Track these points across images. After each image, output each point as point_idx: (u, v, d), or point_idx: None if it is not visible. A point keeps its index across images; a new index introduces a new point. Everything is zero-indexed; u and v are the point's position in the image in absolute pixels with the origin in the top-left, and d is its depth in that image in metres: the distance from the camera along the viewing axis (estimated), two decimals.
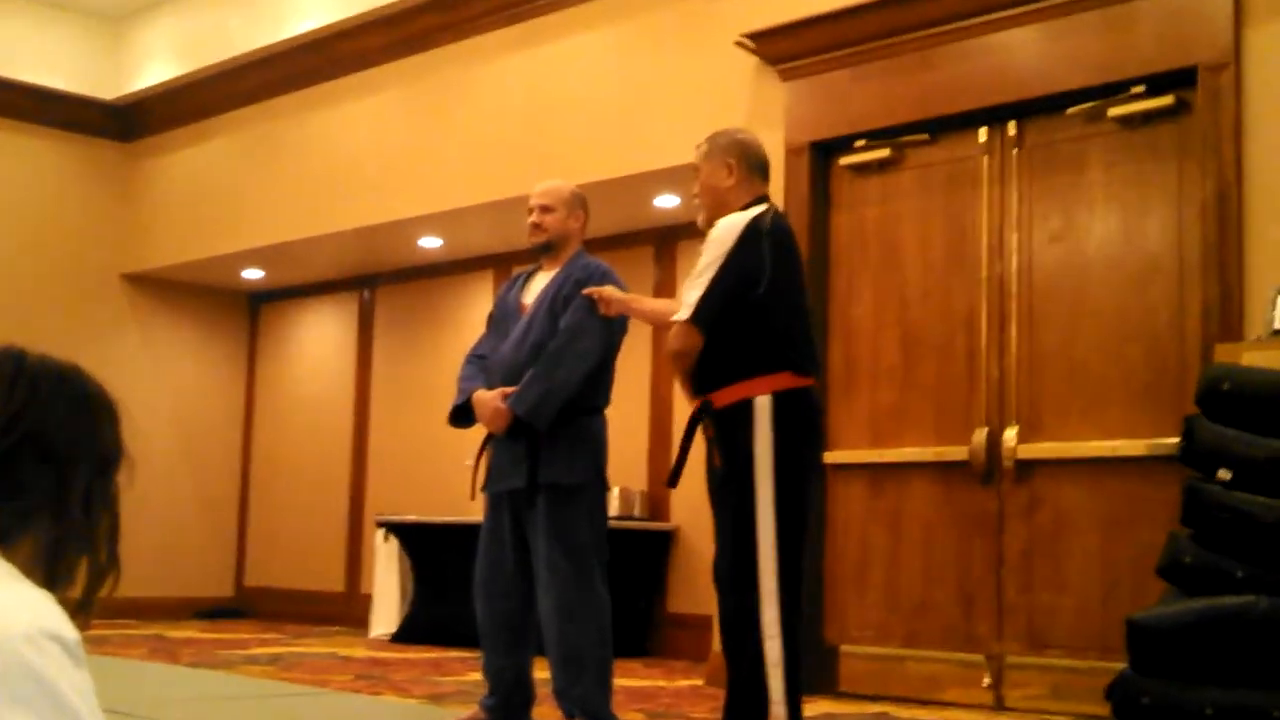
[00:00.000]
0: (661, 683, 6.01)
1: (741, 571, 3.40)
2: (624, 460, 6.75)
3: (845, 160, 5.82)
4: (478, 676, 4.48)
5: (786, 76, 5.96)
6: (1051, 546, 5.07)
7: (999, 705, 5.21)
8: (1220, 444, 3.97)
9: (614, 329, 4.12)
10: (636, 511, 7.49)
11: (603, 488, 4.15)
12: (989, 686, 5.23)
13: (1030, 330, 5.23)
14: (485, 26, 7.56)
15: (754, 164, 3.68)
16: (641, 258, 7.78)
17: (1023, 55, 5.29)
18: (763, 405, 3.41)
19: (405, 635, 7.94)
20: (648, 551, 7.36)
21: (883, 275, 5.68)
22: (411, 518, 8.18)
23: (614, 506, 7.15)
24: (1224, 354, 4.38)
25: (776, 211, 3.59)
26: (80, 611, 1.29)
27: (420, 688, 5.56)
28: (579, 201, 4.29)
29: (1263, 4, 4.76)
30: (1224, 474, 3.91)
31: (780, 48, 5.96)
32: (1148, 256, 4.98)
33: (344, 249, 8.81)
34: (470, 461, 4.33)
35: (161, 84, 9.26)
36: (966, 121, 5.47)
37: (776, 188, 5.57)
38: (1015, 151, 5.35)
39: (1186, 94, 4.91)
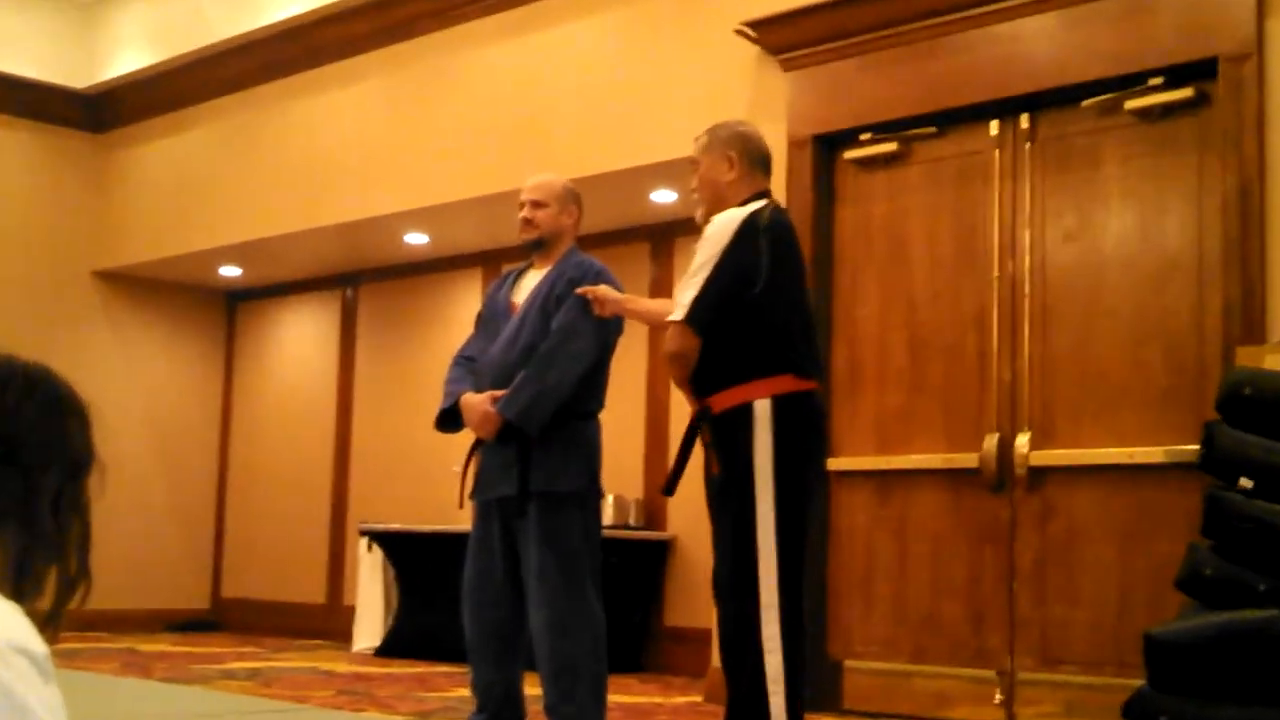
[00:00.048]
0: (658, 699, 6.00)
1: (740, 583, 3.40)
2: (619, 467, 6.75)
3: (850, 154, 5.82)
4: (465, 692, 4.47)
5: (789, 66, 5.96)
6: (1065, 557, 5.07)
7: None
8: (1242, 451, 3.97)
9: (609, 330, 4.12)
10: (632, 520, 7.49)
11: (597, 495, 4.15)
12: (1000, 704, 5.23)
13: (1043, 332, 5.23)
14: (474, 13, 7.56)
15: (756, 158, 3.68)
16: (637, 255, 7.78)
17: (1036, 45, 5.30)
18: (762, 409, 3.41)
19: (390, 649, 7.94)
20: (644, 562, 7.36)
21: (889, 274, 5.68)
22: (396, 526, 8.17)
23: (608, 515, 7.14)
24: (1246, 357, 4.38)
25: (776, 206, 3.59)
26: (49, 624, 1.28)
27: (405, 704, 5.55)
28: (572, 196, 4.29)
29: None
30: (1245, 482, 3.92)
31: (782, 36, 5.97)
32: (1166, 255, 4.99)
33: (326, 245, 8.80)
34: (458, 468, 4.32)
35: (135, 72, 9.26)
36: (977, 114, 5.47)
37: (778, 183, 5.57)
38: (1028, 145, 5.36)
39: (1207, 86, 4.92)
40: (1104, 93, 5.13)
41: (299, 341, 9.98)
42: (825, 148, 5.90)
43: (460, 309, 8.37)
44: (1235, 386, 4.08)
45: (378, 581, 8.31)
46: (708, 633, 5.62)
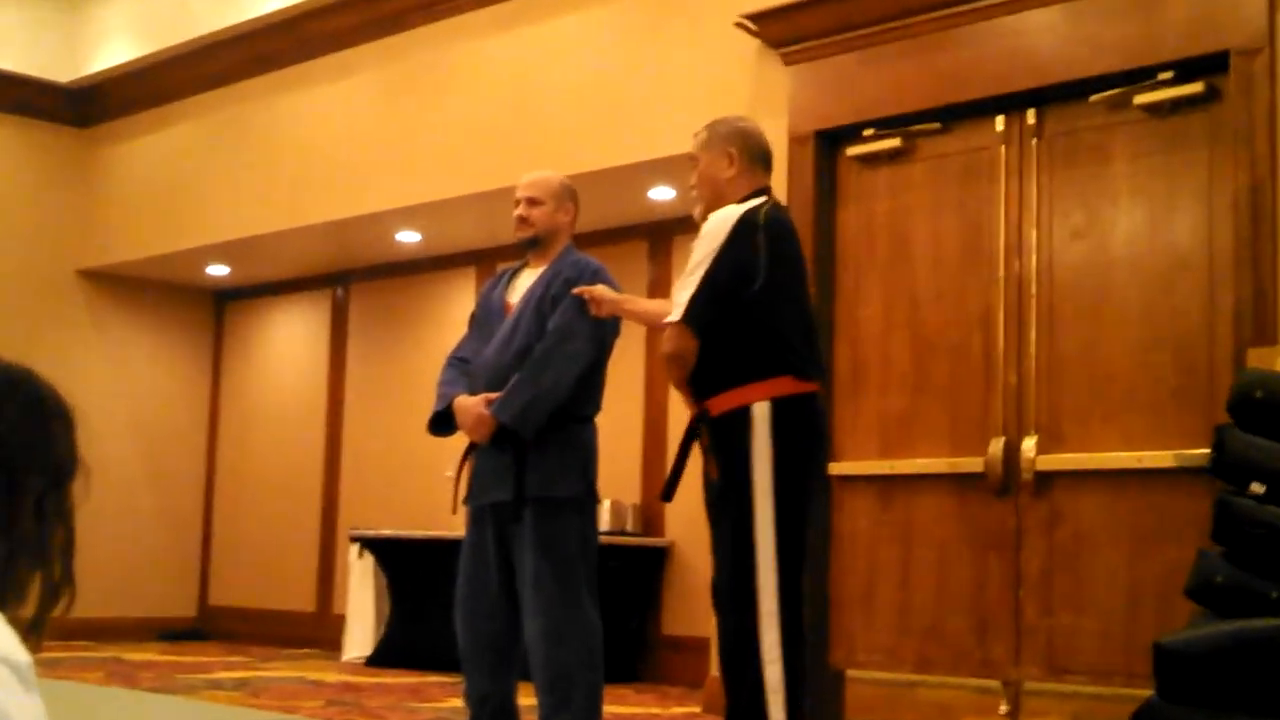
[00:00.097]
0: (655, 710, 6.01)
1: (740, 591, 3.40)
2: (616, 471, 6.76)
3: (853, 150, 5.82)
4: (458, 703, 4.48)
5: (790, 60, 5.97)
6: (1073, 564, 5.07)
7: None
8: (1253, 455, 3.98)
9: (606, 331, 4.13)
10: (629, 526, 7.49)
11: (593, 501, 4.15)
12: (1006, 714, 5.23)
13: (1050, 333, 5.23)
14: (467, 5, 7.56)
15: (756, 154, 3.68)
16: (635, 254, 7.79)
17: (1043, 38, 5.30)
18: (761, 413, 3.41)
19: (381, 658, 7.94)
20: (641, 569, 7.36)
21: (892, 273, 5.69)
22: (388, 532, 8.18)
23: (605, 521, 7.15)
24: (1257, 359, 4.39)
25: (775, 203, 3.60)
26: (32, 632, 1.29)
27: (397, 715, 5.56)
28: (568, 193, 4.29)
29: None
30: (1257, 487, 3.92)
31: (784, 30, 5.97)
32: (1176, 254, 4.99)
33: (316, 244, 8.80)
34: (451, 472, 4.33)
35: (120, 65, 9.26)
36: (982, 109, 5.48)
37: (779, 179, 5.57)
38: (1034, 141, 5.36)
39: (1218, 80, 4.92)
40: (1112, 87, 5.13)
41: (288, 342, 9.98)
42: (827, 144, 5.90)
43: (453, 309, 8.37)
44: (1247, 389, 4.09)
45: (369, 589, 8.31)
46: (706, 641, 5.63)
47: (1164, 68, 4.99)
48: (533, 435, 3.99)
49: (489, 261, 8.42)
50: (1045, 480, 5.16)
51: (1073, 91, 5.24)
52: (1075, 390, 5.16)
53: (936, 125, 5.61)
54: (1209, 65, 4.91)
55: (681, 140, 4.20)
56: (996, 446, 5.25)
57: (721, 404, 3.47)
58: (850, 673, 5.66)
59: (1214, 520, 4.01)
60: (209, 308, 10.41)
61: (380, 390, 9.18)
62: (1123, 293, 5.09)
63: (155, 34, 9.07)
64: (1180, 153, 5.01)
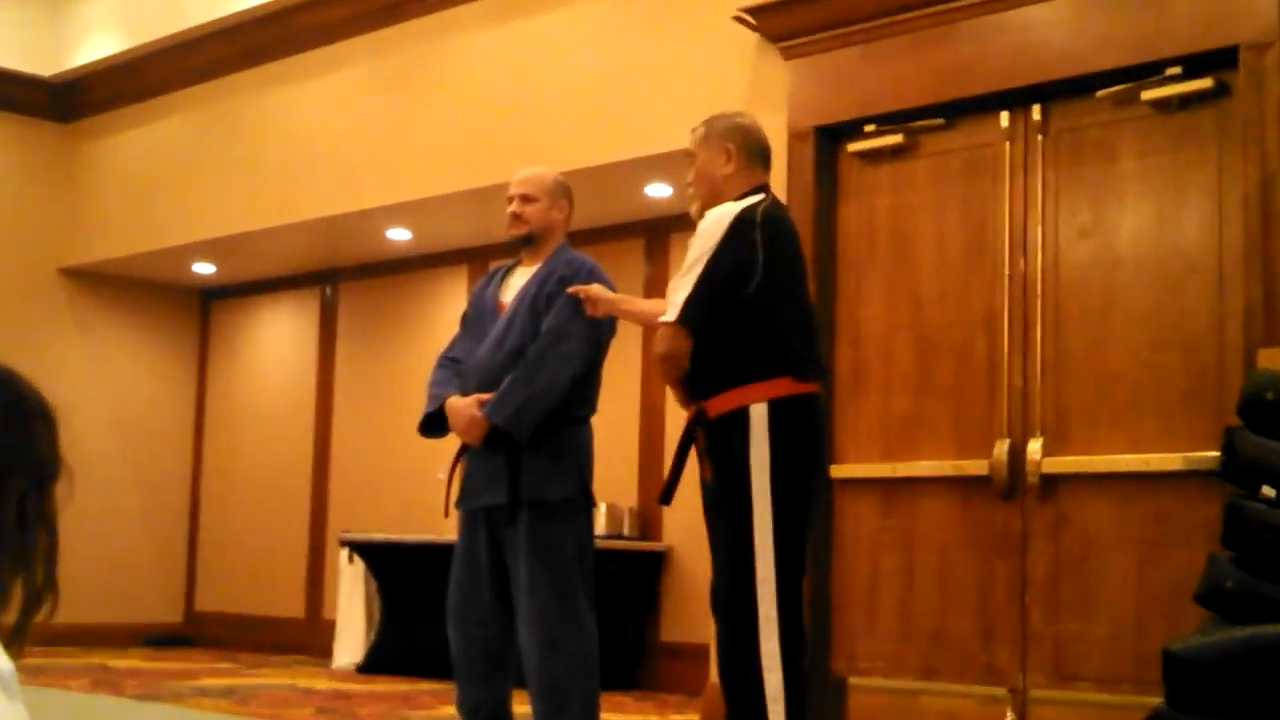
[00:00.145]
0: (653, 718, 6.00)
1: (738, 597, 3.40)
2: (612, 474, 6.75)
3: (854, 147, 5.82)
4: (451, 711, 4.47)
5: (790, 55, 5.97)
6: (1080, 569, 5.07)
7: None
8: (1264, 458, 3.98)
9: (601, 331, 4.13)
10: (626, 530, 7.49)
11: (588, 504, 4.15)
12: None
13: (1056, 333, 5.24)
14: None
15: (754, 150, 3.69)
16: (631, 252, 7.79)
17: (1048, 33, 5.30)
18: (759, 414, 3.41)
19: (372, 665, 7.93)
20: (638, 574, 7.36)
21: (895, 273, 5.69)
22: (379, 536, 8.17)
23: (601, 525, 7.14)
24: (1268, 360, 4.39)
25: (773, 201, 3.60)
26: (15, 638, 1.28)
27: None
28: (563, 190, 4.29)
29: None
30: (1268, 491, 3.93)
31: (783, 23, 5.97)
32: (1185, 253, 4.99)
33: (304, 241, 8.80)
34: (443, 475, 4.32)
35: (105, 59, 9.25)
36: (986, 105, 5.48)
37: (778, 176, 5.58)
38: (1040, 138, 5.36)
39: (1227, 76, 4.92)
40: (1119, 83, 5.14)
41: (276, 342, 9.98)
42: (827, 140, 5.90)
43: (445, 308, 8.37)
44: (1257, 391, 4.09)
45: (359, 594, 8.31)
46: (705, 648, 5.63)
47: (1172, 63, 5.00)
48: (526, 437, 3.99)
49: (481, 260, 8.42)
50: (1051, 483, 5.16)
51: (1079, 87, 5.24)
52: (1082, 391, 5.16)
53: (940, 121, 5.61)
54: (1218, 60, 4.91)
55: (679, 136, 4.20)
56: (1001, 449, 5.25)
57: (719, 405, 3.47)
58: (852, 680, 5.66)
59: (1224, 524, 4.02)
60: (194, 307, 10.40)
61: (370, 391, 9.17)
62: (1130, 292, 5.09)
63: (140, 27, 9.06)
64: (1189, 150, 5.02)
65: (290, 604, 9.48)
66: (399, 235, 8.54)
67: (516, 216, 4.24)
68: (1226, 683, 3.74)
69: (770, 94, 5.97)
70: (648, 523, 7.57)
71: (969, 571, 5.34)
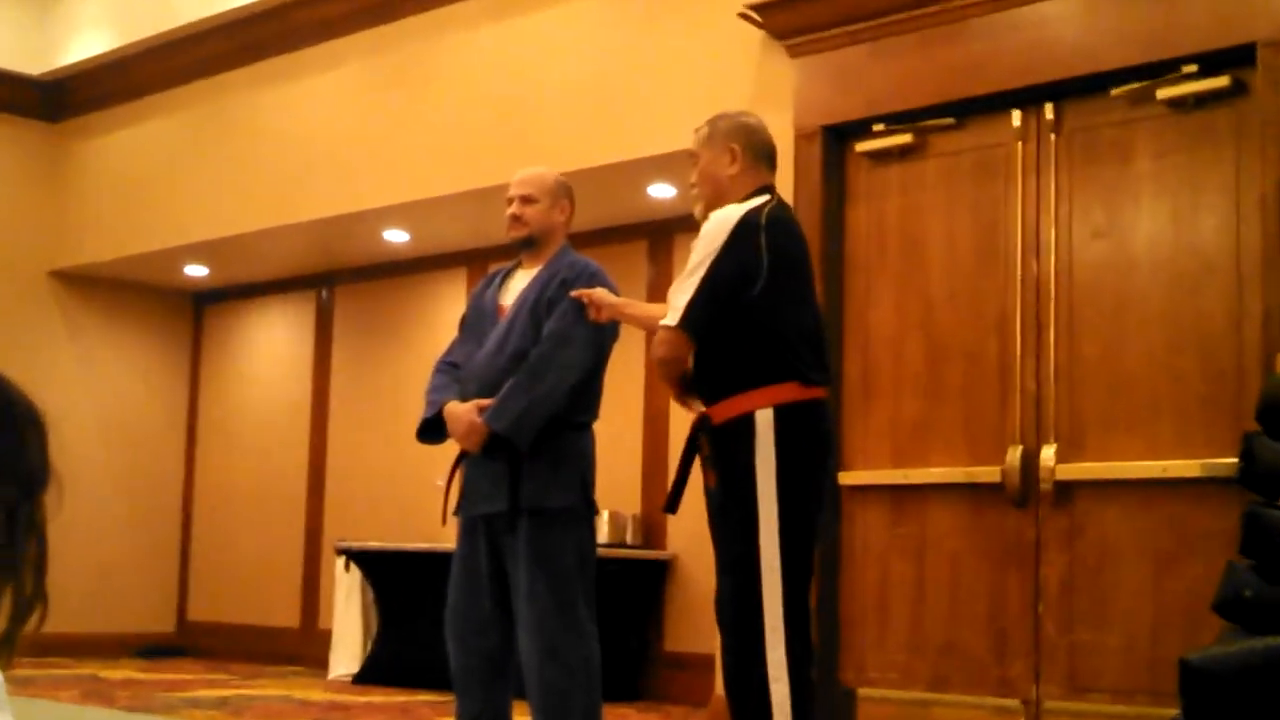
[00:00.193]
0: None
1: (743, 606, 3.40)
2: (614, 481, 6.74)
3: (862, 147, 5.82)
4: None
5: (796, 53, 5.97)
6: (1095, 578, 5.07)
7: None
8: None
9: (604, 336, 4.13)
10: (629, 538, 7.49)
11: (591, 512, 4.15)
12: None
13: (1070, 336, 5.23)
14: None
15: (759, 151, 3.69)
16: (634, 254, 7.79)
17: (1061, 29, 5.30)
18: (764, 420, 3.41)
19: (368, 676, 7.93)
20: (641, 583, 7.36)
21: (904, 275, 5.69)
22: (375, 545, 8.17)
23: (603, 533, 7.15)
24: None
25: (778, 202, 3.60)
26: (3, 649, 1.28)
27: None
28: (564, 191, 4.29)
29: None
30: None
31: (789, 20, 5.97)
32: (1201, 254, 4.99)
33: (299, 243, 8.80)
34: (441, 482, 4.32)
35: (95, 57, 9.26)
36: (998, 104, 5.48)
37: (785, 177, 5.56)
38: (1053, 137, 5.36)
39: (1244, 74, 4.92)
40: (1134, 81, 5.14)
41: (270, 346, 9.98)
42: (835, 140, 5.90)
43: (444, 311, 8.37)
44: (1276, 395, 4.09)
45: (356, 604, 8.31)
46: (710, 659, 5.62)
47: (1188, 60, 5.00)
48: (527, 444, 3.99)
49: (481, 262, 8.42)
50: (1065, 490, 5.16)
51: (1092, 85, 5.24)
52: (1096, 396, 5.16)
53: (950, 120, 5.61)
54: (1235, 58, 4.91)
55: (682, 135, 4.20)
56: (1014, 455, 5.24)
57: (723, 411, 3.47)
58: (861, 692, 5.65)
59: (1242, 532, 4.01)
60: (187, 310, 10.41)
61: (367, 396, 9.18)
62: (1145, 295, 5.09)
63: (130, 24, 9.07)
64: (1205, 149, 5.02)
65: (285, 613, 9.48)
66: (396, 237, 8.54)
67: (516, 218, 4.24)
68: (1245, 694, 3.73)
69: (776, 93, 5.97)
70: (651, 531, 7.57)
71: (981, 580, 5.34)
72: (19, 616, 1.33)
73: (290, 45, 8.37)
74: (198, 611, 10.10)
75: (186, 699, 6.84)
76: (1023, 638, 5.21)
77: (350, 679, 8.04)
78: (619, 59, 6.83)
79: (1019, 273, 5.36)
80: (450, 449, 4.24)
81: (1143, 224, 5.14)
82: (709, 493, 3.54)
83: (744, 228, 3.47)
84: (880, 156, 5.79)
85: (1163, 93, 5.06)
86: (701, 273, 3.45)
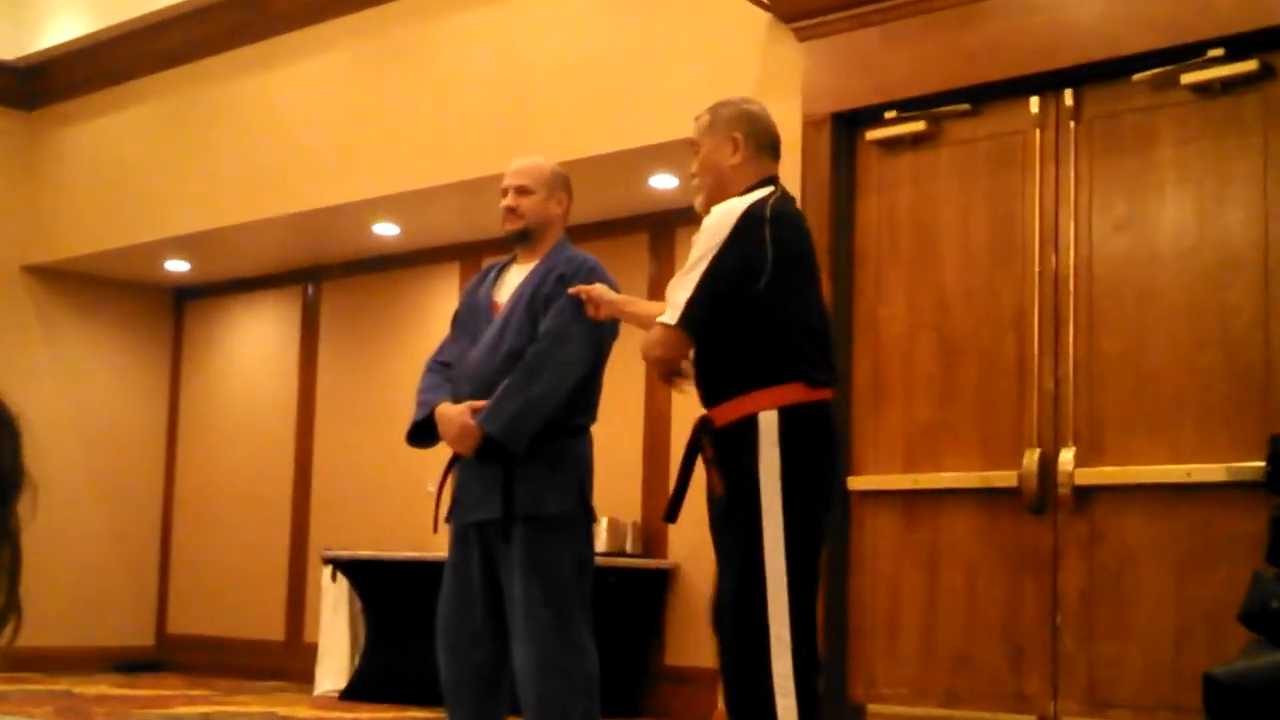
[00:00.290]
0: None
1: (748, 617, 3.41)
2: (614, 487, 6.76)
3: (873, 134, 5.84)
4: None
5: (804, 36, 5.98)
6: (1115, 588, 5.08)
7: None
8: None
9: (603, 334, 4.14)
10: (628, 547, 7.50)
11: (588, 519, 4.16)
12: None
13: (1090, 334, 5.25)
14: None
15: (763, 140, 3.69)
16: (634, 248, 7.80)
17: (1081, 12, 5.32)
18: (768, 423, 3.42)
19: (356, 691, 7.94)
20: (642, 593, 7.37)
21: (917, 270, 5.70)
22: (364, 553, 8.18)
23: (602, 541, 7.15)
24: None
25: (783, 195, 3.61)
26: None
27: None
28: (561, 182, 4.30)
29: None
30: None
31: (797, 3, 5.99)
32: (1227, 247, 5.00)
33: (285, 236, 8.81)
34: (432, 488, 4.34)
35: (70, 42, 9.27)
36: (1015, 89, 5.49)
37: (793, 166, 5.59)
38: (1072, 125, 5.37)
39: (1272, 58, 4.94)
40: (1157, 65, 5.15)
41: (255, 344, 9.99)
42: (845, 127, 5.92)
43: (435, 308, 8.38)
44: None
45: (343, 615, 8.32)
46: (713, 672, 5.63)
47: (1214, 44, 5.01)
48: (522, 448, 4.00)
49: (474, 256, 8.43)
50: (1085, 496, 5.17)
51: (1114, 70, 5.26)
52: (1117, 397, 5.17)
53: (965, 107, 5.62)
54: (1263, 41, 4.93)
55: (685, 123, 4.20)
56: (1031, 459, 5.25)
57: (726, 414, 3.48)
58: (871, 707, 5.66)
59: (1269, 539, 4.03)
60: (168, 307, 10.42)
61: (355, 397, 9.19)
62: (1169, 290, 5.10)
63: (108, 7, 9.08)
64: (1232, 137, 5.03)
65: (269, 626, 9.49)
66: (386, 230, 8.55)
67: (511, 210, 4.25)
68: (1273, 710, 3.75)
69: (784, 78, 5.99)
70: (652, 539, 7.58)
71: (996, 590, 5.35)
72: None
73: (275, 29, 8.38)
74: (178, 624, 10.11)
75: (166, 716, 6.86)
76: (1040, 650, 5.22)
77: (337, 694, 8.05)
78: (619, 42, 6.84)
79: (1036, 267, 5.37)
80: (442, 453, 4.25)
81: (1166, 215, 5.16)
82: (711, 498, 3.55)
83: (748, 221, 3.48)
84: (892, 145, 5.80)
85: (1187, 78, 5.07)
86: (703, 267, 3.46)
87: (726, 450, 3.47)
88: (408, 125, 7.66)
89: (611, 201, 7.47)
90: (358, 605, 8.26)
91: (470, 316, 4.29)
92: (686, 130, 3.88)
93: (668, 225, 7.70)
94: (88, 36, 9.18)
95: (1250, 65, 4.95)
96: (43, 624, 6.76)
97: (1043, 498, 5.24)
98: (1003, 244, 5.48)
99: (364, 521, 8.82)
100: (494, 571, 4.08)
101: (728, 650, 3.54)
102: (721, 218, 3.49)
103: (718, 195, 3.62)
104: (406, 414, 4.29)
